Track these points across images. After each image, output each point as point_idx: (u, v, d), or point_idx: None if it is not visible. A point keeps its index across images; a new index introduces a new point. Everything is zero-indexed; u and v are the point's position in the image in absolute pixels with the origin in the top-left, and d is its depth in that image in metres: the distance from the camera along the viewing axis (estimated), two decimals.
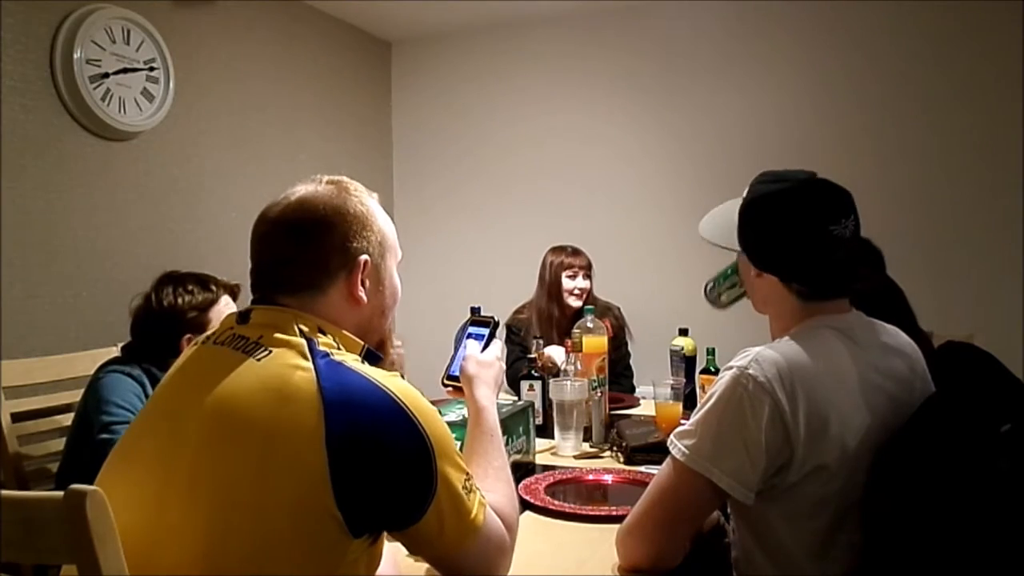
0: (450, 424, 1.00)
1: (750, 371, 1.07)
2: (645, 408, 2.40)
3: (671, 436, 1.13)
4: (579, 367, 2.06)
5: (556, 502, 1.49)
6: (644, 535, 1.14)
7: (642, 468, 1.73)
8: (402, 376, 0.97)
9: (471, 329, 1.34)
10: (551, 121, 3.80)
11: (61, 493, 0.76)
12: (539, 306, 2.89)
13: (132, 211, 2.71)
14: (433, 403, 0.97)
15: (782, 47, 3.38)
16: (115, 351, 1.93)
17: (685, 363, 2.27)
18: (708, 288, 1.46)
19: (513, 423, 1.69)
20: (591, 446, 1.95)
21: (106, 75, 2.54)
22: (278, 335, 0.94)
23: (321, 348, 0.94)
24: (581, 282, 2.87)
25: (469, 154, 3.99)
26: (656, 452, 1.75)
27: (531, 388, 2.12)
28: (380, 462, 0.88)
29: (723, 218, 1.27)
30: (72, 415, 1.87)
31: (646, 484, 1.18)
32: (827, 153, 3.20)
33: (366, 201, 1.05)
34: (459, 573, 0.98)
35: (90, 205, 2.56)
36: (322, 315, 0.99)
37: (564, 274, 2.88)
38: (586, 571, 1.21)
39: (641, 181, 3.66)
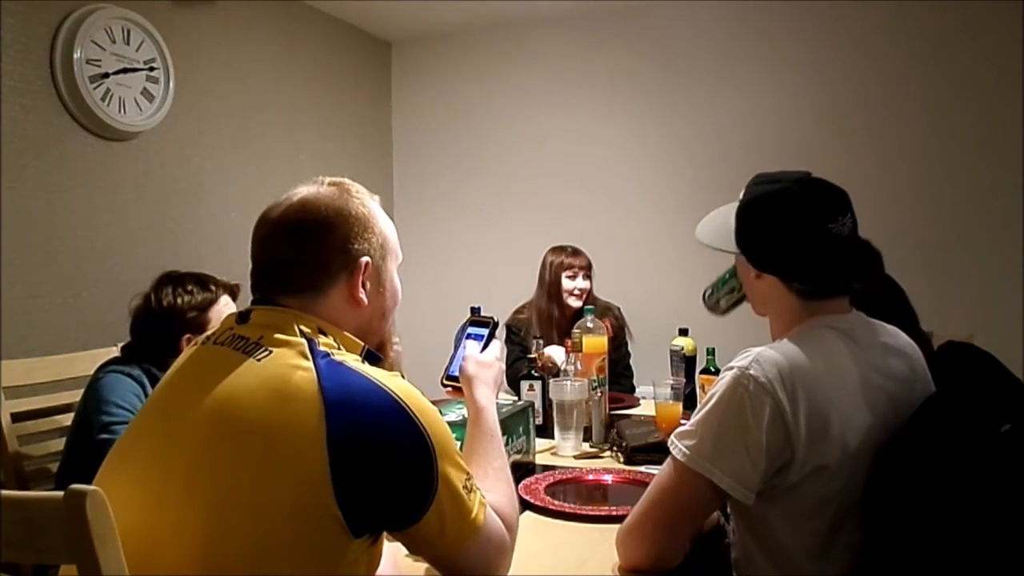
0: (450, 424, 1.00)
1: (751, 371, 1.07)
2: (645, 408, 2.40)
3: (672, 436, 1.13)
4: (579, 367, 2.06)
5: (556, 502, 1.49)
6: (644, 535, 1.14)
7: (642, 468, 1.73)
8: (401, 375, 0.97)
9: (470, 329, 1.34)
10: (551, 121, 3.80)
11: (61, 493, 0.76)
12: (539, 306, 2.89)
13: (132, 211, 2.71)
14: (433, 403, 0.97)
15: (782, 47, 3.38)
16: (115, 351, 1.93)
17: (685, 363, 2.27)
18: (707, 295, 1.46)
19: (513, 423, 1.69)
20: (591, 446, 1.95)
21: (106, 75, 2.55)
22: (278, 335, 0.94)
23: (322, 348, 0.94)
24: (581, 282, 2.87)
25: (469, 154, 3.99)
26: (656, 452, 1.75)
27: (531, 388, 2.12)
28: (381, 462, 0.88)
29: (720, 221, 1.27)
30: (72, 415, 1.87)
31: (646, 484, 1.18)
32: (827, 153, 3.21)
33: (368, 203, 1.06)
34: (459, 573, 0.98)
35: (90, 205, 2.56)
36: (323, 316, 0.99)
37: (564, 274, 2.88)
38: (586, 571, 1.21)
39: (641, 181, 3.66)
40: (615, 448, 1.89)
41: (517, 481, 1.38)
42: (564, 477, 1.68)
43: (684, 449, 1.09)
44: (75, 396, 1.90)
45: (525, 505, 1.46)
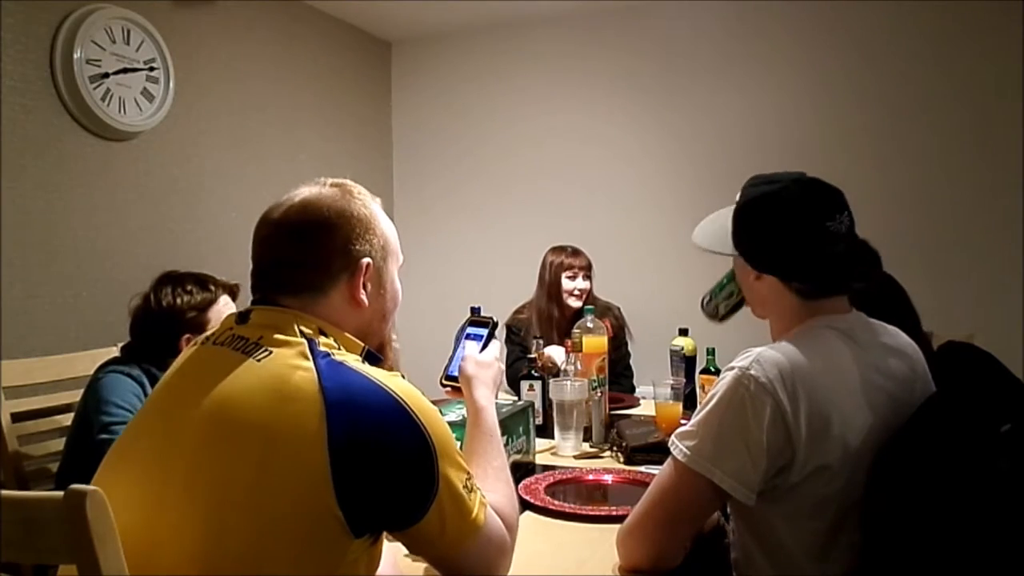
0: (450, 424, 1.00)
1: (752, 372, 1.07)
2: (645, 408, 2.40)
3: (672, 437, 1.13)
4: (579, 367, 2.06)
5: (556, 502, 1.49)
6: (645, 535, 1.14)
7: (642, 468, 1.73)
8: (402, 376, 0.97)
9: (469, 329, 1.34)
10: (551, 121, 3.80)
11: (61, 493, 0.76)
12: (539, 306, 2.89)
13: (132, 211, 2.71)
14: (433, 403, 0.97)
15: (782, 47, 3.38)
16: (115, 351, 1.92)
17: (685, 363, 2.27)
18: (705, 302, 1.45)
19: (513, 423, 1.69)
20: (591, 446, 1.95)
21: (106, 75, 2.54)
22: (278, 336, 0.94)
23: (322, 349, 0.94)
24: (580, 283, 2.87)
25: (469, 154, 3.99)
26: (656, 452, 1.75)
27: (531, 388, 2.12)
28: (383, 463, 0.88)
29: (717, 224, 1.27)
30: (72, 415, 1.87)
31: (646, 484, 1.18)
32: (827, 153, 3.21)
33: (369, 204, 1.06)
34: (459, 573, 0.98)
35: (90, 205, 2.56)
36: (323, 317, 0.99)
37: (564, 275, 2.87)
38: (586, 571, 1.21)
39: (641, 181, 3.66)
40: (615, 448, 1.89)
41: (517, 481, 1.38)
42: (564, 477, 1.68)
43: (685, 449, 1.09)
44: (75, 396, 1.90)
45: (525, 505, 1.46)
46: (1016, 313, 2.93)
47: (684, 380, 2.20)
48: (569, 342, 2.30)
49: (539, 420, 2.05)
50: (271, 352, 0.92)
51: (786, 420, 1.04)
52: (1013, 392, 1.05)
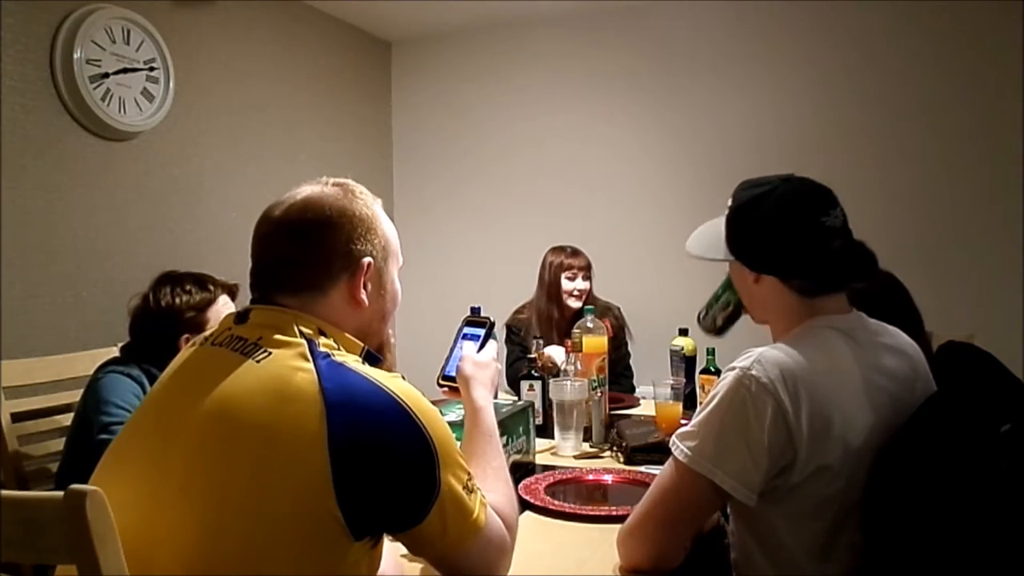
0: (450, 424, 1.00)
1: (753, 372, 1.07)
2: (645, 408, 2.40)
3: (673, 437, 1.13)
4: (579, 367, 2.06)
5: (556, 502, 1.49)
6: (645, 535, 1.14)
7: (642, 468, 1.73)
8: (402, 376, 0.97)
9: (467, 330, 1.34)
10: (551, 121, 3.80)
11: (61, 493, 0.76)
12: (539, 307, 2.89)
13: (132, 211, 2.71)
14: (433, 403, 0.97)
15: (782, 47, 3.38)
16: (115, 351, 1.92)
17: (685, 363, 2.27)
18: (701, 316, 1.44)
19: (513, 423, 1.69)
20: (591, 446, 1.95)
21: (106, 75, 2.54)
22: (278, 336, 0.94)
23: (322, 349, 0.93)
24: (580, 283, 2.87)
25: (469, 154, 3.99)
26: (656, 452, 1.75)
27: (531, 388, 2.12)
28: (384, 464, 0.88)
29: (710, 232, 1.27)
30: (72, 415, 1.87)
31: (646, 484, 1.18)
32: (827, 153, 3.21)
33: (371, 205, 1.05)
34: (460, 573, 0.98)
35: (90, 205, 2.56)
36: (323, 317, 0.99)
37: (563, 275, 2.87)
38: (586, 571, 1.21)
39: (641, 181, 3.66)
40: (615, 448, 1.89)
41: (517, 481, 1.38)
42: (564, 477, 1.68)
43: (686, 450, 1.09)
44: (75, 396, 1.90)
45: (525, 505, 1.46)
46: (1016, 313, 2.93)
47: (684, 380, 2.20)
48: (569, 342, 2.30)
49: (539, 420, 2.05)
50: (270, 353, 0.92)
51: (787, 420, 1.04)
52: (1013, 392, 1.05)
